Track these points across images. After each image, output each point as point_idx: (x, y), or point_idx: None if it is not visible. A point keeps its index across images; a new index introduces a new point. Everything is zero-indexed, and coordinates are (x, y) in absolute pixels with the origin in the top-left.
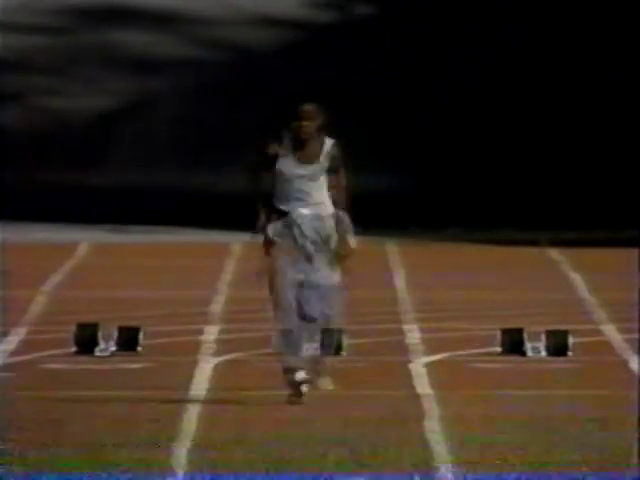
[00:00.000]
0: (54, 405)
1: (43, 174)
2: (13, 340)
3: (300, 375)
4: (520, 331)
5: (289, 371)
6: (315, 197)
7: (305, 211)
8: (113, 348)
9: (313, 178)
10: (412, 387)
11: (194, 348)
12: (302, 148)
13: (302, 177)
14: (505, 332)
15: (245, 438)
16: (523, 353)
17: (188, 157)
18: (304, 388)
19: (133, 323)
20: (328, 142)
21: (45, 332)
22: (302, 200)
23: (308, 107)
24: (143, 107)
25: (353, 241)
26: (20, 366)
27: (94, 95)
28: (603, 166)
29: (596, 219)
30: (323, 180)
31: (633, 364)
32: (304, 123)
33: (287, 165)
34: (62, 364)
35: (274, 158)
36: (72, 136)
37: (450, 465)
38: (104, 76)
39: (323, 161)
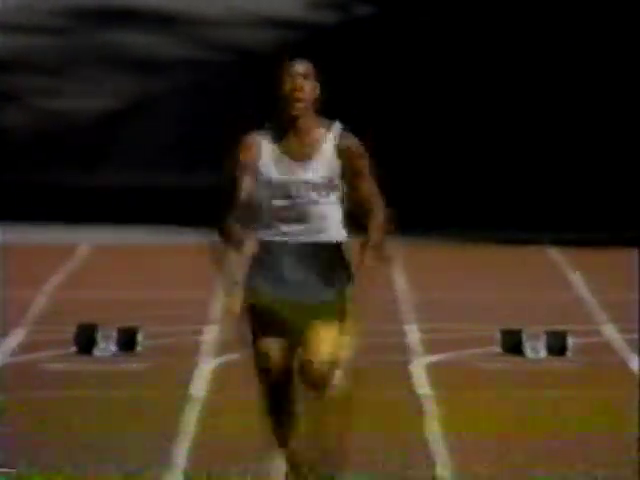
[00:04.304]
0: (54, 405)
1: (43, 175)
2: (13, 340)
3: None
4: (519, 331)
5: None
6: (322, 223)
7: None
8: (113, 348)
9: (321, 187)
10: (412, 387)
11: (194, 348)
12: (297, 134)
13: (303, 185)
14: (504, 332)
15: (244, 439)
16: (522, 353)
17: (188, 157)
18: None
19: (132, 323)
20: (335, 128)
21: (45, 332)
22: (295, 233)
23: (302, 64)
24: (143, 107)
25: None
26: (20, 366)
27: (94, 95)
28: (604, 166)
29: (597, 219)
30: (336, 194)
31: (633, 365)
32: (298, 83)
33: (276, 166)
34: (62, 364)
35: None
36: (72, 136)
37: (450, 465)
38: (104, 76)
39: (331, 159)
